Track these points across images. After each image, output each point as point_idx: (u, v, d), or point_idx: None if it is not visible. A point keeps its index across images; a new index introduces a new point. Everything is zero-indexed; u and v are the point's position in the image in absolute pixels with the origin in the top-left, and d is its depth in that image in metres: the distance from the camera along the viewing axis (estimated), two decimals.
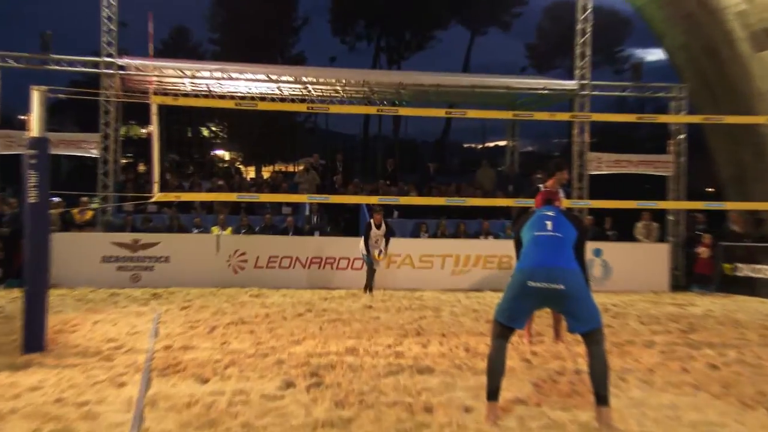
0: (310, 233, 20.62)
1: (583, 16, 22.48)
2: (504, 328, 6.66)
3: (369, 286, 17.28)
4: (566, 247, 6.74)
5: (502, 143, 35.06)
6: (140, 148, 32.57)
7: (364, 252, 17.29)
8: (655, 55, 41.99)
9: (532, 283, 6.46)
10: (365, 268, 17.51)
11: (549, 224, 6.88)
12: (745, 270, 19.36)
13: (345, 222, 21.99)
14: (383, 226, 17.28)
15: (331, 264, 18.86)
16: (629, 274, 19.37)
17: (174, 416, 6.63)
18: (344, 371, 8.62)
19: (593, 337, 6.55)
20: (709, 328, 13.04)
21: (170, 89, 22.60)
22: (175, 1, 54.98)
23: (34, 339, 9.50)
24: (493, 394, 6.67)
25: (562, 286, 6.42)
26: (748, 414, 7.15)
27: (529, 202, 10.56)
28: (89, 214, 20.42)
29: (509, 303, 6.63)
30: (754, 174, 23.89)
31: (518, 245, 7.24)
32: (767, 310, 16.11)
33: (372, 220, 17.30)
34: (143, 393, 7.43)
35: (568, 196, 12.60)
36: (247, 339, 10.76)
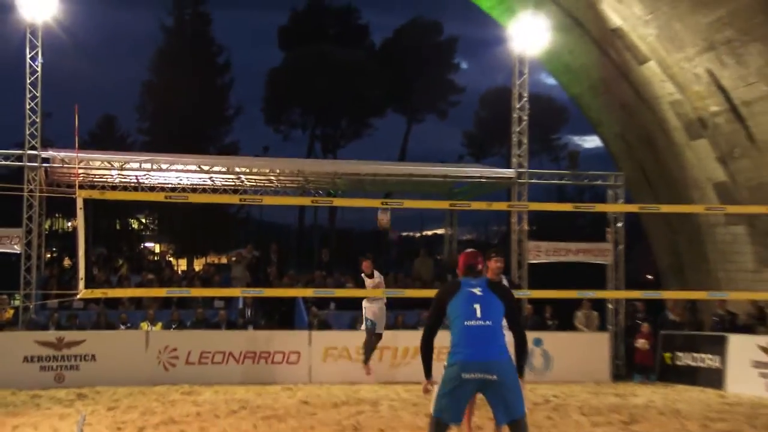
0: (244, 327, 20.43)
1: (519, 105, 22.85)
2: (441, 424, 6.73)
3: (367, 357, 16.36)
4: (497, 334, 6.85)
5: (440, 231, 35.30)
6: (65, 242, 32.24)
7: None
8: (592, 142, 42.92)
9: (466, 375, 6.60)
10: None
11: (477, 309, 6.86)
12: (684, 359, 19.54)
13: (280, 315, 21.85)
14: (376, 275, 16.12)
15: (266, 358, 18.67)
16: (570, 363, 19.44)
17: None
18: None
19: (520, 426, 6.69)
20: (651, 419, 13.15)
21: (97, 181, 22.48)
22: (103, 90, 55.16)
23: None
24: None
25: (495, 377, 6.60)
26: None
27: None
28: (10, 313, 20.06)
29: (445, 398, 6.69)
30: (690, 262, 24.28)
31: (438, 315, 7.16)
32: (708, 400, 16.26)
33: (362, 268, 16.25)
34: None
35: (509, 284, 12.70)
36: None
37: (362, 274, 16.11)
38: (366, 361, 16.29)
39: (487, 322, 6.82)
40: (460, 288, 7.07)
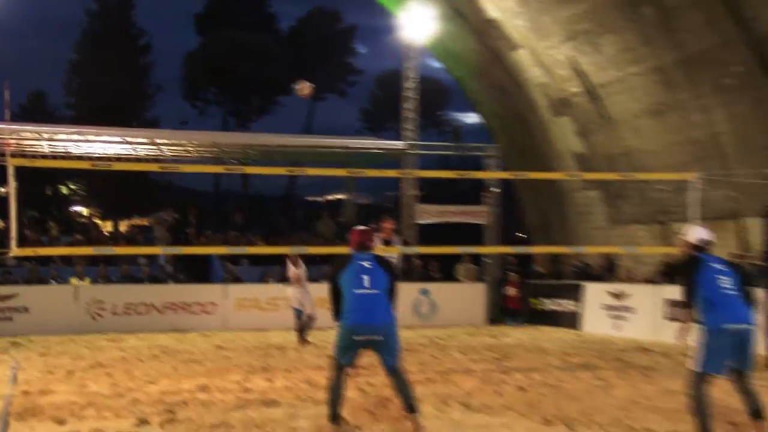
0: (165, 281, 20.25)
1: (408, 85, 23.01)
2: (339, 365, 7.12)
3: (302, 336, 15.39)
4: (382, 300, 7.18)
5: (340, 196, 35.32)
6: (2, 205, 31.28)
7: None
8: (472, 118, 43.31)
9: (356, 337, 7.04)
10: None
11: (366, 280, 7.15)
12: (549, 304, 20.03)
13: (197, 270, 21.66)
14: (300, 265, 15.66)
15: (185, 309, 18.56)
16: (452, 310, 19.80)
17: None
18: (196, 407, 8.54)
19: (398, 373, 7.16)
20: (519, 355, 13.49)
21: (28, 151, 21.89)
22: (33, 68, 53.48)
23: None
24: (334, 418, 6.99)
25: (381, 337, 7.06)
26: (550, 429, 7.46)
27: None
28: None
29: (341, 350, 7.11)
30: (555, 222, 24.79)
31: (335, 293, 7.30)
32: (568, 339, 16.74)
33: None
34: None
35: (401, 242, 12.88)
36: (104, 381, 10.50)
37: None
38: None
39: (374, 291, 7.13)
40: (352, 261, 7.36)
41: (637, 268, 19.96)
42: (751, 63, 16.76)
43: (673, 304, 6.92)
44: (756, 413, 6.85)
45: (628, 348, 14.69)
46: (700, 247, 7.40)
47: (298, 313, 15.43)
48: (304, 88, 12.98)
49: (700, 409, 6.75)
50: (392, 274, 7.45)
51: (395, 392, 7.16)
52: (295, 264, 15.60)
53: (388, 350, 7.10)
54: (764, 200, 15.76)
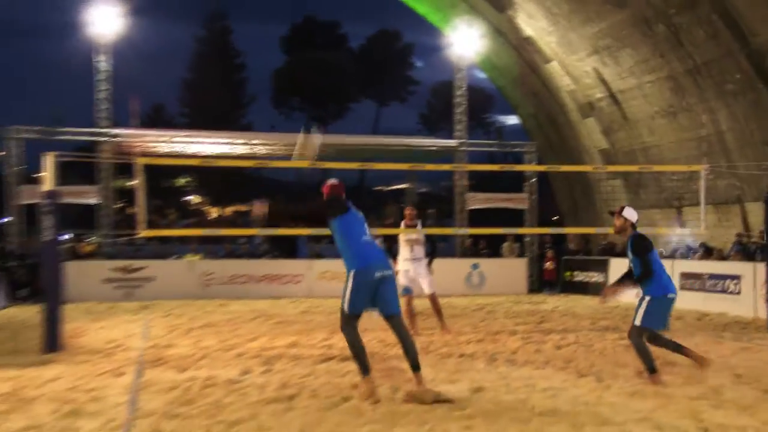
0: (261, 257, 20.52)
1: (459, 92, 22.87)
2: (352, 317, 6.58)
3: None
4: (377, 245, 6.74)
5: (403, 186, 35.32)
6: (130, 195, 31.98)
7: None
8: (512, 120, 42.88)
9: (377, 273, 6.42)
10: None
11: (366, 228, 6.70)
12: (580, 276, 19.81)
13: (287, 248, 21.90)
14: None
15: (277, 279, 18.79)
16: (498, 281, 19.68)
17: (160, 397, 6.60)
18: (288, 360, 8.66)
19: (399, 320, 6.61)
20: (556, 319, 13.39)
21: (151, 151, 22.28)
22: (155, 85, 54.43)
23: (52, 342, 9.41)
24: (365, 369, 6.58)
25: (391, 272, 6.58)
26: (582, 380, 7.40)
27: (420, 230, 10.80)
28: (92, 247, 20.04)
29: (355, 295, 6.46)
30: (583, 207, 24.50)
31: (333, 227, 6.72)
32: (596, 305, 16.50)
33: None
34: (137, 381, 7.37)
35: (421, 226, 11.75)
36: (214, 338, 10.71)
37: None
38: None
39: (371, 237, 6.74)
40: (348, 210, 6.77)
41: (655, 245, 19.59)
42: (749, 71, 16.58)
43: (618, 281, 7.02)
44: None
45: None
46: (635, 226, 7.67)
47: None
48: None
49: (644, 352, 7.24)
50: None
51: (403, 350, 6.53)
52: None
53: (393, 291, 6.56)
54: (762, 187, 15.59)
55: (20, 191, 19.72)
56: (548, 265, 20.57)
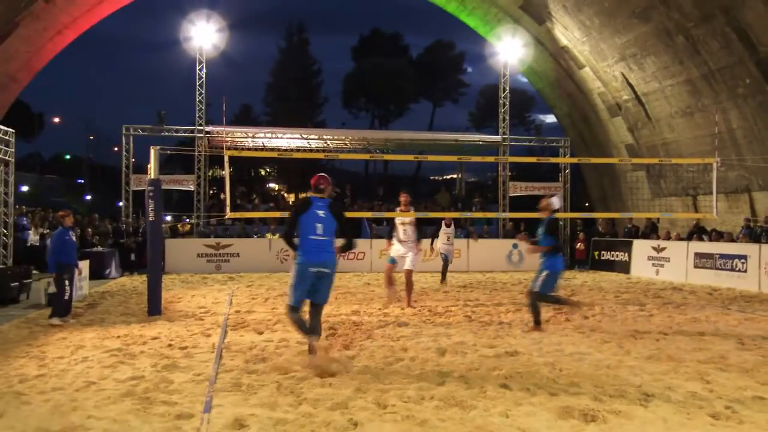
0: None
1: (503, 94, 22.59)
2: (296, 308, 6.36)
3: (443, 276, 14.41)
4: (330, 245, 6.37)
5: (454, 176, 35.12)
6: (221, 183, 32.61)
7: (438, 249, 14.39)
8: (550, 118, 42.14)
9: (311, 269, 6.21)
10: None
11: (319, 227, 6.32)
12: (606, 255, 19.44)
13: (352, 228, 21.96)
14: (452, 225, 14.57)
15: (343, 256, 18.82)
16: (534, 259, 19.26)
17: (241, 355, 6.73)
18: (350, 326, 8.72)
19: (320, 309, 6.44)
20: (584, 292, 13.19)
21: (239, 145, 22.70)
22: (243, 89, 55.21)
23: (154, 306, 9.66)
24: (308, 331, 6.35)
25: (328, 270, 6.29)
26: (605, 346, 7.27)
27: (467, 214, 10.66)
28: (188, 227, 20.48)
29: (297, 288, 6.31)
30: (611, 194, 24.05)
31: (292, 224, 6.46)
32: (620, 280, 16.22)
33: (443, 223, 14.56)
34: (222, 341, 7.53)
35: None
36: None
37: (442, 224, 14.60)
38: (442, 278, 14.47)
39: (324, 237, 6.32)
40: (310, 206, 6.41)
41: (673, 229, 19.13)
42: (758, 77, 16.31)
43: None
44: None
45: (665, 287, 14.14)
46: (556, 211, 8.49)
47: (445, 258, 14.42)
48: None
49: (536, 310, 8.26)
50: (340, 219, 6.47)
51: (312, 320, 6.38)
52: (448, 225, 14.64)
53: (326, 286, 6.36)
54: None
55: (131, 179, 20.31)
56: (579, 245, 20.19)
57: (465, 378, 5.79)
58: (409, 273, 10.66)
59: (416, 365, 6.30)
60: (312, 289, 6.30)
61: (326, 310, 10.16)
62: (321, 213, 6.36)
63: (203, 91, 20.87)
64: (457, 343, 7.42)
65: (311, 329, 6.36)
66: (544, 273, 8.27)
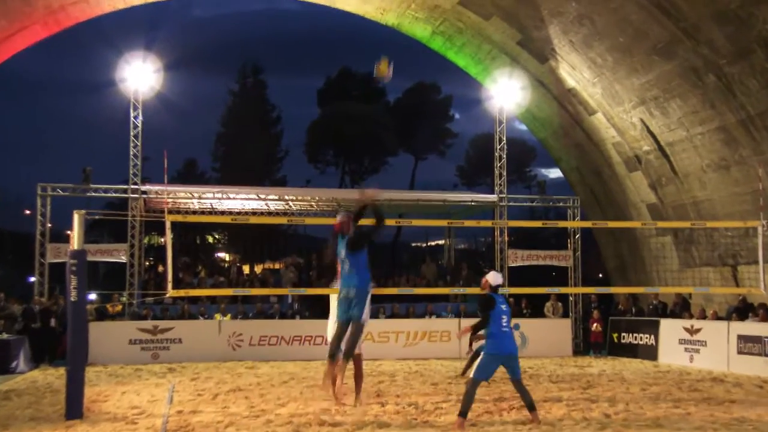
0: (293, 317, 20.46)
1: (499, 145, 22.90)
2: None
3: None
4: (355, 276, 9.25)
5: (441, 242, 35.25)
6: (159, 253, 32.37)
7: None
8: (555, 173, 42.73)
9: (340, 295, 9.36)
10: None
11: (347, 266, 9.31)
12: (628, 338, 19.41)
13: (319, 308, 21.80)
14: None
15: (309, 341, 18.69)
16: (541, 343, 19.35)
17: None
18: (320, 427, 8.53)
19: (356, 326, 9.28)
20: (603, 384, 13.07)
21: (182, 207, 22.61)
22: (187, 139, 55.48)
23: (74, 408, 9.40)
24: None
25: (353, 295, 9.21)
26: None
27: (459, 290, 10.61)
28: (119, 307, 20.21)
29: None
30: (631, 264, 24.16)
31: (334, 256, 9.62)
32: (646, 369, 16.17)
33: None
34: None
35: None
36: (242, 403, 10.64)
37: None
38: None
39: (352, 271, 9.27)
40: (338, 244, 9.48)
41: (709, 306, 19.18)
42: None
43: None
44: (530, 406, 8.78)
45: (703, 378, 14.09)
46: (495, 288, 9.13)
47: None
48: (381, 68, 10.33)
49: (468, 399, 8.57)
50: (358, 246, 9.36)
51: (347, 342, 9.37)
52: None
53: (356, 305, 9.22)
54: None
55: (47, 249, 20.05)
56: (595, 326, 20.16)
57: None
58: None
59: None
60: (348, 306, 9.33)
61: (290, 408, 10.03)
62: (348, 263, 9.33)
63: (139, 143, 20.83)
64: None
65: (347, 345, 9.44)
66: (481, 354, 9.05)
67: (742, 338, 15.61)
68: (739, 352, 15.57)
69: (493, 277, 9.24)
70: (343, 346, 9.46)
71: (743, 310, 17.38)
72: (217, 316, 19.67)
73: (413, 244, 51.89)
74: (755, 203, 17.47)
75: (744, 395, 11.65)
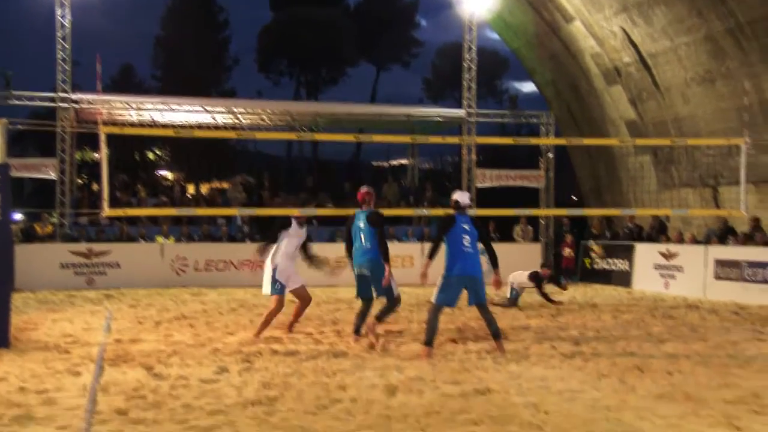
0: (242, 240, 20.43)
1: (468, 56, 22.76)
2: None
3: None
4: (371, 250, 9.56)
5: (404, 161, 35.25)
6: (94, 170, 31.94)
7: None
8: (528, 87, 42.73)
9: (356, 270, 9.75)
10: None
11: (362, 237, 9.62)
12: (601, 263, 19.78)
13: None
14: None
15: (260, 266, 18.66)
16: (509, 269, 19.53)
17: (122, 400, 6.52)
18: (271, 357, 8.60)
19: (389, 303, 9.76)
20: (573, 311, 13.35)
21: (118, 120, 22.22)
22: (122, 42, 54.13)
23: (0, 336, 9.27)
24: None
25: (368, 273, 9.62)
26: (603, 381, 7.33)
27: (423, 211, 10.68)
28: (49, 228, 19.97)
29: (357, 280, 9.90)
30: (608, 185, 24.46)
31: (350, 233, 9.87)
32: (618, 296, 16.52)
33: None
34: (96, 380, 7.30)
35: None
36: (187, 332, 10.66)
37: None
38: None
39: (366, 245, 9.58)
40: (355, 219, 9.77)
41: (687, 229, 19.57)
42: None
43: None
44: (495, 334, 8.88)
45: (678, 305, 14.45)
46: (462, 208, 9.23)
47: None
48: None
49: (432, 327, 8.71)
50: (379, 224, 9.62)
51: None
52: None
53: (376, 284, 9.59)
54: None
55: None
56: (566, 251, 20.47)
57: (421, 424, 5.77)
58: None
59: (358, 408, 6.24)
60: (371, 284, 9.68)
61: (239, 337, 10.10)
62: (361, 224, 9.64)
63: (67, 46, 20.28)
64: (412, 378, 7.38)
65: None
66: (439, 277, 9.01)
67: (719, 263, 15.92)
68: (717, 278, 15.93)
69: (460, 195, 9.39)
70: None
71: (723, 233, 17.66)
72: (159, 239, 19.57)
73: (374, 163, 51.81)
74: (740, 120, 17.66)
75: (719, 322, 11.98)
